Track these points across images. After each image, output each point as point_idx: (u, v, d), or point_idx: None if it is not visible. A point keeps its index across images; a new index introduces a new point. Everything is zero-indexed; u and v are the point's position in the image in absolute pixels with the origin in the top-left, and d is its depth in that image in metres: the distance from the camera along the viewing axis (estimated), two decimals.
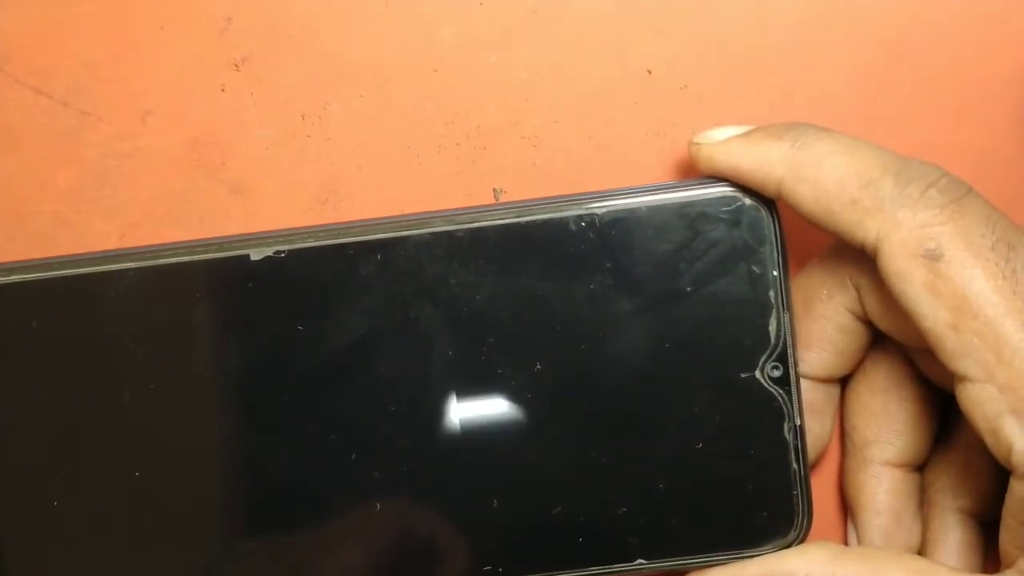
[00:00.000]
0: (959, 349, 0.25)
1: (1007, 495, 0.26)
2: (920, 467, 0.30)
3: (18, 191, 0.31)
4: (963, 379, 0.25)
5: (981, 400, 0.25)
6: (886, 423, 0.30)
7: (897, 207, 0.26)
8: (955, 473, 0.29)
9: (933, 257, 0.25)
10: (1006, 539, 0.26)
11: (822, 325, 0.29)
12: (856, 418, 0.30)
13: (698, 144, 0.29)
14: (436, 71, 0.32)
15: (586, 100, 0.32)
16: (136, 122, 0.32)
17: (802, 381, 0.29)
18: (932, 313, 0.25)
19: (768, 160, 0.27)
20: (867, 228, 0.26)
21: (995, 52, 0.32)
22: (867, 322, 0.29)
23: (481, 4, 0.32)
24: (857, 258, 0.28)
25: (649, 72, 0.32)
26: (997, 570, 0.27)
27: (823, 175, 0.27)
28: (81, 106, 0.32)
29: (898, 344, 0.29)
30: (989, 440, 0.25)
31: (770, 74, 0.32)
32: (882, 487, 0.30)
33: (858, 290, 0.29)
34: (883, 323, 0.28)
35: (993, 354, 0.25)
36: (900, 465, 0.30)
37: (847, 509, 0.31)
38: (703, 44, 0.32)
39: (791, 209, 0.27)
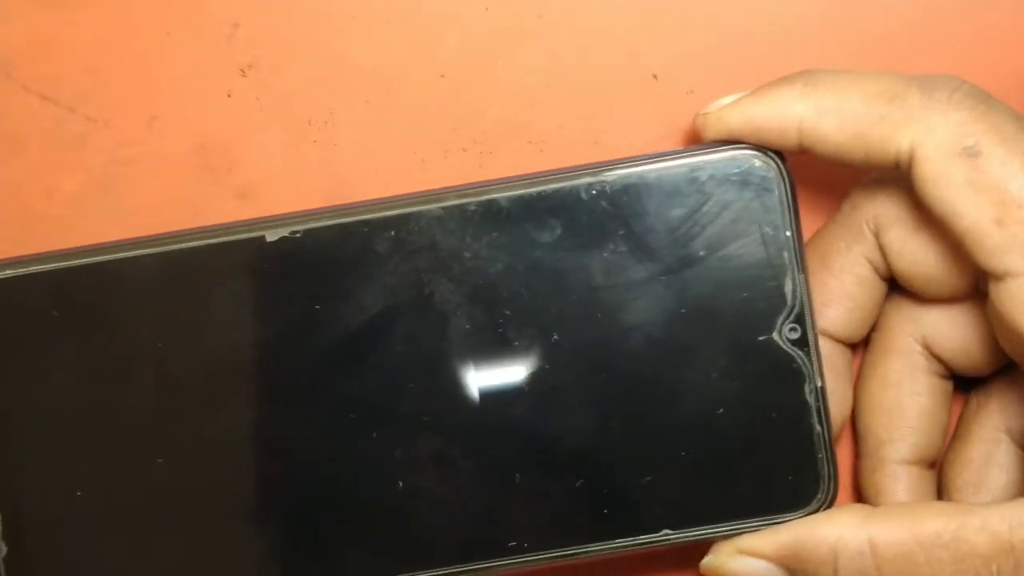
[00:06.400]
0: (1003, 244, 0.25)
1: None
2: (933, 464, 0.30)
3: (24, 197, 0.31)
4: (1004, 276, 0.25)
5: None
6: (899, 419, 0.30)
7: (929, 113, 0.26)
8: (975, 470, 0.29)
9: (972, 154, 0.25)
10: None
11: (841, 279, 0.29)
12: (869, 418, 0.30)
13: (705, 114, 0.28)
14: (442, 76, 0.32)
15: (592, 105, 0.32)
16: (142, 128, 0.32)
17: (822, 340, 0.29)
18: (974, 211, 0.25)
19: (784, 103, 0.27)
20: (899, 140, 0.26)
21: (999, 53, 0.32)
22: (884, 278, 0.29)
23: (487, 9, 0.32)
24: (871, 200, 0.28)
25: (655, 77, 0.32)
26: None
27: (846, 102, 0.27)
28: (87, 112, 0.32)
29: (909, 323, 0.29)
30: None
31: (775, 78, 0.32)
32: (900, 486, 0.30)
33: (876, 234, 0.29)
34: (902, 261, 0.28)
35: None
36: (915, 462, 0.30)
37: None
38: (708, 48, 0.32)
39: (814, 155, 0.27)
